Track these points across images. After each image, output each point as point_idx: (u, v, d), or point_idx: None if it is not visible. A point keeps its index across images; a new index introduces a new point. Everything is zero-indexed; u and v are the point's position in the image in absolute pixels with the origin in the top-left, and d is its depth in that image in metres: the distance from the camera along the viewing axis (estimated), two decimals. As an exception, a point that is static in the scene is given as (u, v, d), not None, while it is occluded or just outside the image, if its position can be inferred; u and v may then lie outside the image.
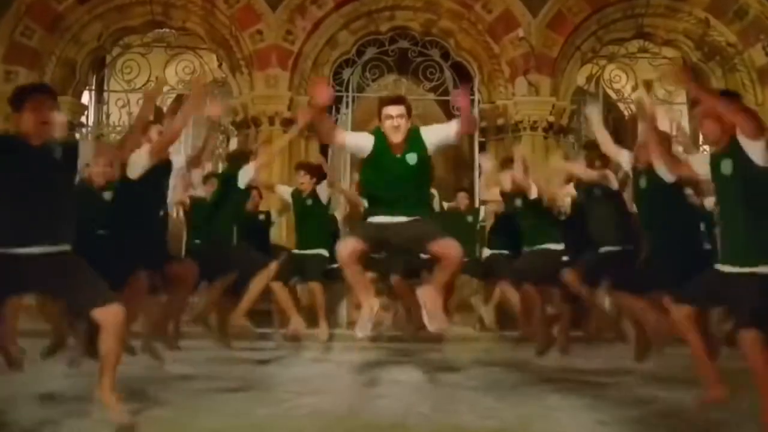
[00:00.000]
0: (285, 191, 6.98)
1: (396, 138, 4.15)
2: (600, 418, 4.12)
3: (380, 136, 4.24)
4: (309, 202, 6.78)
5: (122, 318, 3.33)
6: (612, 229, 5.06)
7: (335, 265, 7.15)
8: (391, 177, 4.21)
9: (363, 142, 4.28)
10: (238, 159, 5.72)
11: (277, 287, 6.34)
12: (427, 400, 4.43)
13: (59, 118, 3.49)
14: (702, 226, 4.82)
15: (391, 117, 4.17)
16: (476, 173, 9.81)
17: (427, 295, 4.12)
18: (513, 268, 5.88)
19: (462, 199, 8.21)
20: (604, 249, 5.03)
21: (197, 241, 5.36)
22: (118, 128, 10.34)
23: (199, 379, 5.22)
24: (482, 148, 10.00)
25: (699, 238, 4.37)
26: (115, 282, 4.15)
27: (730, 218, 3.14)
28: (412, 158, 4.19)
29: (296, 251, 6.81)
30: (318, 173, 7.07)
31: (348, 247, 4.15)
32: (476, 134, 9.97)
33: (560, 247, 5.71)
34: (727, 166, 3.09)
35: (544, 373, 5.93)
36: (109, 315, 3.30)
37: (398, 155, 4.21)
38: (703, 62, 10.19)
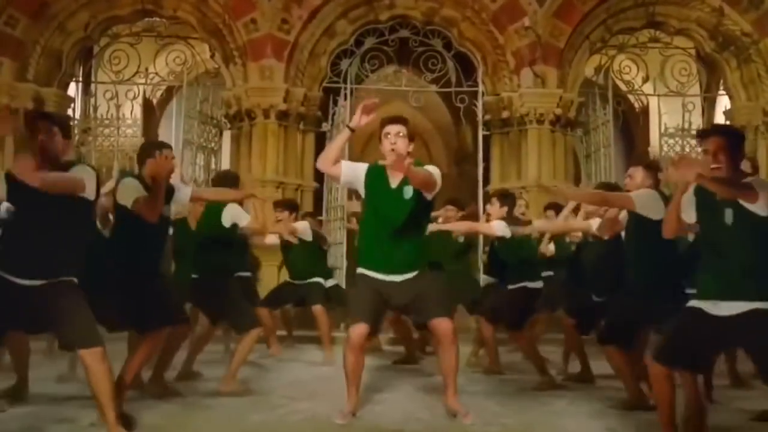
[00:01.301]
0: (272, 239, 6.96)
1: (391, 157, 3.87)
2: (609, 424, 4.12)
3: (375, 166, 4.06)
4: (294, 241, 6.81)
5: (104, 360, 3.41)
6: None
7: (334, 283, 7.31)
8: (385, 211, 4.05)
9: (358, 169, 4.12)
10: (223, 183, 5.55)
11: (263, 313, 6.39)
12: (427, 405, 4.42)
13: (57, 145, 3.47)
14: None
15: (388, 135, 4.00)
16: (480, 168, 9.80)
17: (453, 402, 4.16)
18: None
19: (449, 212, 6.78)
20: None
21: (194, 276, 5.30)
22: (106, 121, 10.33)
23: (191, 383, 5.22)
24: (486, 141, 9.99)
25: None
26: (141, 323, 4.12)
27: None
28: (408, 192, 4.00)
29: (290, 281, 6.93)
30: (297, 208, 7.18)
31: (356, 332, 4.05)
32: (480, 128, 9.96)
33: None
34: (729, 216, 3.22)
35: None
36: (92, 358, 3.37)
37: (394, 187, 4.05)
38: (717, 53, 10.16)
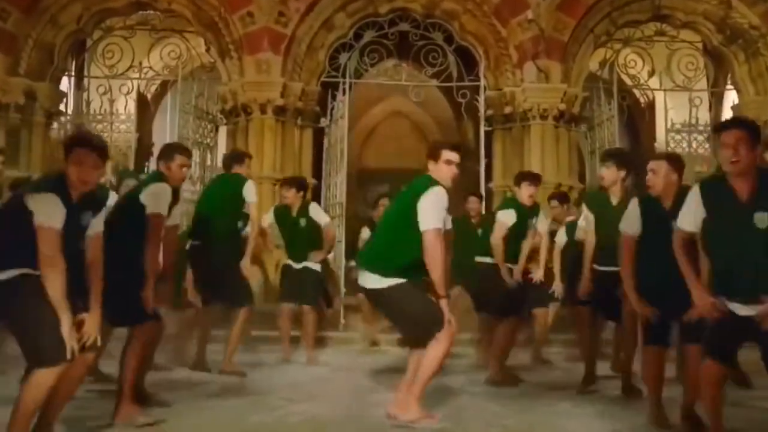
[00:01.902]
0: (270, 220, 7.04)
1: (449, 184, 4.22)
2: (615, 426, 4.15)
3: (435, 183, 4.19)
4: (302, 222, 6.79)
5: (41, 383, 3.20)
6: None
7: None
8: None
9: (444, 203, 4.14)
10: (233, 160, 5.98)
11: (285, 310, 6.72)
12: (429, 406, 4.44)
13: (100, 176, 3.56)
14: None
15: (451, 163, 4.22)
16: (482, 165, 9.79)
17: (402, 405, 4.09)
18: None
19: (472, 204, 7.45)
20: None
21: (196, 242, 5.53)
22: (99, 116, 10.33)
23: (186, 385, 5.24)
24: (488, 137, 9.98)
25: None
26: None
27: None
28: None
29: (290, 263, 6.90)
30: (305, 186, 7.14)
31: (451, 334, 4.05)
32: (482, 123, 9.96)
33: None
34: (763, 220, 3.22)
35: (555, 379, 5.95)
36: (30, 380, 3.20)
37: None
38: (724, 46, 10.16)
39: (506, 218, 5.86)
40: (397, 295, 4.08)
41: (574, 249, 6.07)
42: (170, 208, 4.42)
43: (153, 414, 4.09)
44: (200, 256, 5.52)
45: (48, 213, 3.25)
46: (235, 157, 6.13)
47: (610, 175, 5.19)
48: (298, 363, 6.59)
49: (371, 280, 4.12)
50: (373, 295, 4.21)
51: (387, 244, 4.23)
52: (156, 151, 11.53)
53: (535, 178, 6.03)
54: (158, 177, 4.52)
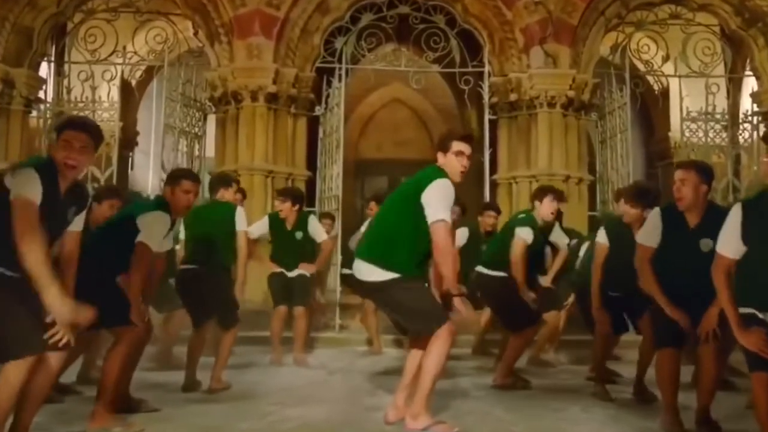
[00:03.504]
0: (264, 229, 7.10)
1: (458, 179, 4.17)
2: (624, 431, 4.14)
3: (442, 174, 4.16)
4: (299, 236, 6.85)
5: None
6: None
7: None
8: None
9: (451, 196, 4.11)
10: (220, 184, 6.07)
11: (281, 312, 6.83)
12: (431, 408, 4.43)
13: (88, 162, 3.55)
14: None
15: (462, 154, 4.16)
16: (486, 155, 9.77)
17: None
18: None
19: (488, 219, 7.43)
20: None
21: (188, 266, 5.54)
22: (81, 104, 10.30)
23: (172, 388, 5.22)
24: (493, 126, 9.96)
25: None
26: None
27: None
28: None
29: (283, 271, 6.93)
30: (300, 199, 7.11)
31: (452, 331, 4.03)
32: (486, 111, 9.93)
33: None
34: None
35: (562, 382, 5.94)
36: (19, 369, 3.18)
37: None
38: (743, 30, 10.14)
39: (525, 235, 5.81)
40: (396, 289, 4.06)
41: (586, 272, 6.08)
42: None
43: (131, 423, 4.08)
44: (192, 280, 5.50)
45: (24, 186, 3.17)
46: (223, 180, 6.24)
47: (634, 214, 5.15)
48: (290, 366, 6.58)
49: (369, 272, 4.10)
50: (370, 287, 4.18)
51: (388, 236, 4.17)
52: (140, 140, 11.79)
53: (560, 196, 6.06)
54: (162, 205, 4.52)
